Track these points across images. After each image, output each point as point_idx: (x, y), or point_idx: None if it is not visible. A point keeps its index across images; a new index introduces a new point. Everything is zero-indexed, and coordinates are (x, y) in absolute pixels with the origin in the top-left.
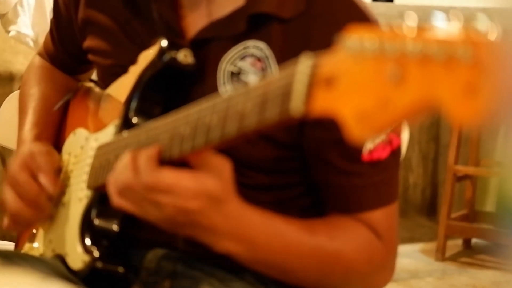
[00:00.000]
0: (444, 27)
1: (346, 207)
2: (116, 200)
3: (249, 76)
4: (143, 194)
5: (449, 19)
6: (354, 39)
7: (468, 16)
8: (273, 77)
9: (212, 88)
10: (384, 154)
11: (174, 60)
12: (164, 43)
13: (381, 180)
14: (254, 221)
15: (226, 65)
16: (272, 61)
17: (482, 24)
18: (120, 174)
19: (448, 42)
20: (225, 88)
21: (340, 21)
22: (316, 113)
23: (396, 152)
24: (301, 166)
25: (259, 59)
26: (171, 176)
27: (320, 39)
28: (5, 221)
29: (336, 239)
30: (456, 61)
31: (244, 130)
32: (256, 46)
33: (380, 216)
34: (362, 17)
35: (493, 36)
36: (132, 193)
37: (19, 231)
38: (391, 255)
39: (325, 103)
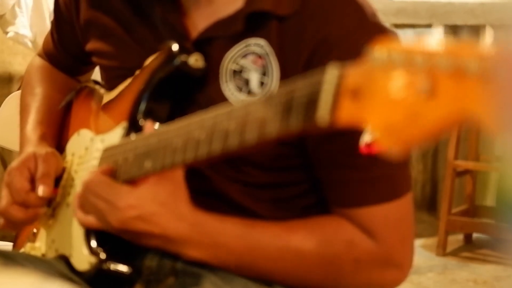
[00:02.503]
0: (474, 40)
1: (341, 202)
2: (78, 215)
3: (250, 74)
4: (82, 194)
5: (480, 34)
6: (382, 51)
7: (477, 17)
8: (295, 85)
9: (214, 87)
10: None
11: (185, 64)
12: (175, 47)
13: (381, 176)
14: (211, 224)
15: (228, 63)
16: (272, 57)
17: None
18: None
19: (483, 56)
20: (228, 86)
21: (334, 17)
22: (342, 123)
23: None
24: (304, 163)
25: (260, 56)
26: (106, 184)
27: (314, 34)
28: (0, 220)
29: (311, 240)
30: (491, 75)
31: (265, 137)
32: (257, 44)
33: (377, 213)
34: (359, 13)
35: None
36: (82, 200)
37: (12, 230)
38: (392, 254)
39: (352, 114)
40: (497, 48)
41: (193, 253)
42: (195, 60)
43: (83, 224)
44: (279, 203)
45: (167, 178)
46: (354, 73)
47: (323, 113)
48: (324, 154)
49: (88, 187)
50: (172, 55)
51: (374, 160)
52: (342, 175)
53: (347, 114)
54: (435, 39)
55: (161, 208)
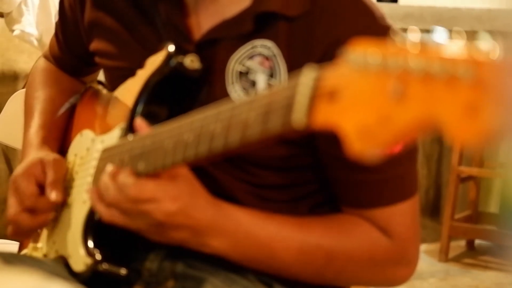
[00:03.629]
0: (447, 45)
1: (355, 203)
2: (107, 215)
3: (257, 75)
4: (130, 207)
5: (452, 37)
6: (357, 53)
7: (471, 35)
8: (277, 88)
9: (220, 88)
10: (396, 148)
11: (181, 65)
12: (171, 48)
13: (393, 176)
14: (232, 213)
15: (234, 65)
16: (280, 59)
17: (485, 43)
18: (105, 192)
19: (450, 61)
20: (234, 88)
21: (345, 19)
22: (317, 126)
23: (410, 146)
24: (314, 163)
25: (267, 58)
26: (151, 185)
27: (324, 36)
28: (9, 228)
29: (330, 237)
30: (457, 80)
31: (247, 140)
32: (263, 45)
33: (392, 213)
34: (369, 15)
35: (495, 55)
36: (120, 207)
37: (21, 238)
38: (406, 252)
39: (327, 117)
40: (468, 52)
41: (216, 243)
42: (191, 61)
43: (108, 221)
44: (287, 203)
45: (179, 174)
46: (330, 76)
47: (299, 116)
48: (336, 156)
49: (129, 197)
50: (168, 57)
51: (386, 161)
52: (355, 176)
53: (323, 117)
54: (410, 42)
55: (192, 199)
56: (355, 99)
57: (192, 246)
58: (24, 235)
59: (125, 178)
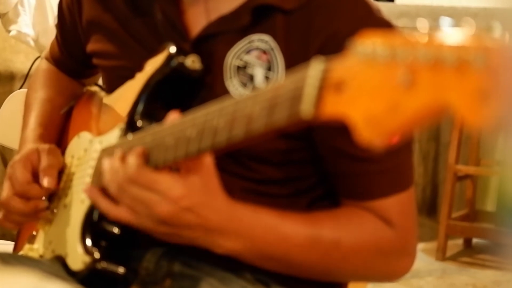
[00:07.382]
0: (456, 33)
1: (356, 195)
2: (114, 212)
3: (255, 69)
4: (128, 188)
5: (461, 25)
6: (366, 45)
7: (480, 22)
8: (282, 82)
9: (218, 83)
10: (394, 139)
11: (182, 65)
12: (172, 49)
13: (392, 166)
14: (247, 215)
15: (232, 59)
16: (277, 52)
17: (495, 29)
18: (109, 171)
19: (460, 47)
20: (232, 82)
21: (343, 12)
22: (325, 117)
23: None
24: (312, 157)
25: (264, 52)
26: (153, 174)
27: (322, 29)
28: (0, 214)
29: (340, 230)
30: (468, 66)
31: (251, 134)
32: (261, 39)
33: (392, 203)
34: (366, 9)
35: (505, 41)
36: (120, 189)
37: (11, 226)
38: (407, 242)
39: (335, 107)
40: (478, 39)
41: (230, 244)
42: (192, 62)
43: (114, 218)
44: (286, 198)
45: (199, 168)
46: (338, 67)
47: (307, 107)
48: (335, 148)
49: (129, 177)
50: (169, 57)
51: (385, 152)
52: (355, 168)
53: (331, 108)
54: (419, 32)
55: (205, 198)
56: (363, 89)
57: (204, 246)
58: (14, 221)
59: (132, 157)
